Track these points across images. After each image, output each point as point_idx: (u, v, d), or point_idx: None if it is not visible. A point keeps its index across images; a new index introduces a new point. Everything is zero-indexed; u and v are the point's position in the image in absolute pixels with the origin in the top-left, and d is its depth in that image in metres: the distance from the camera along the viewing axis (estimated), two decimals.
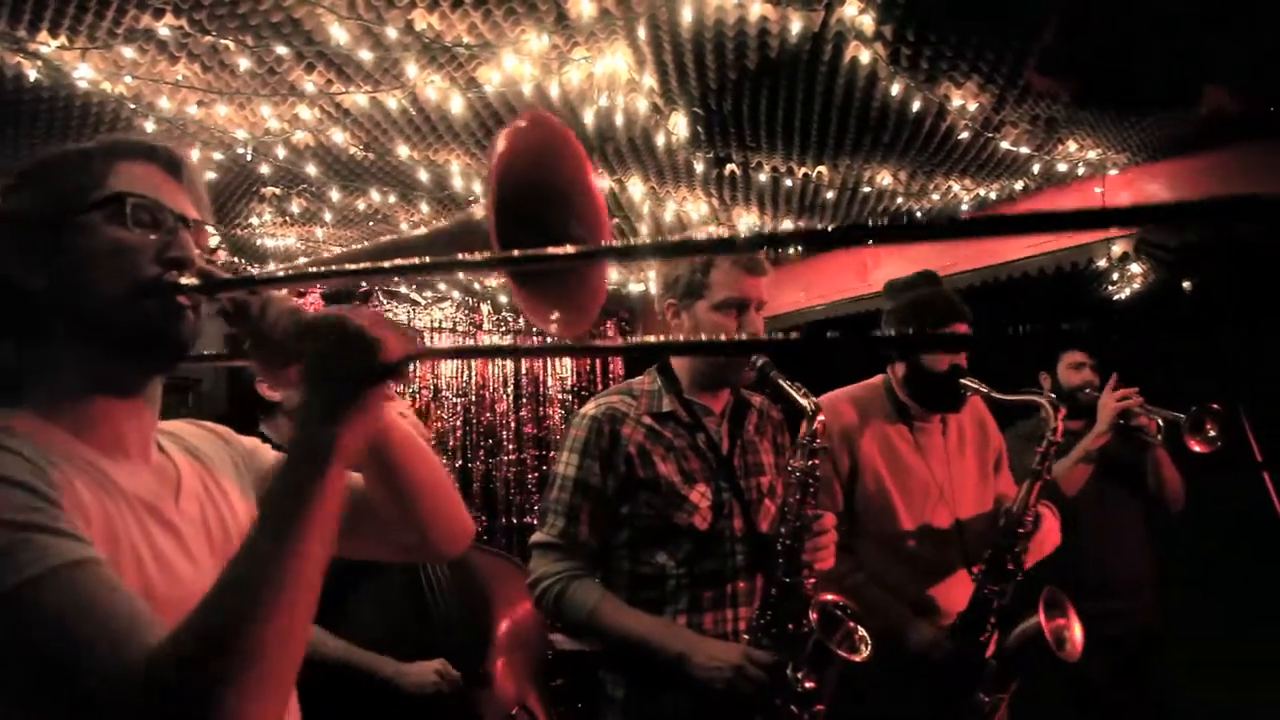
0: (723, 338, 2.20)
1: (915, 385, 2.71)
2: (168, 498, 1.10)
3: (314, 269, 1.09)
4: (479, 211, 0.95)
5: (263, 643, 0.84)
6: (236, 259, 5.08)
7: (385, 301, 5.95)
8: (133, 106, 3.08)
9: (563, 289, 1.02)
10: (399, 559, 1.33)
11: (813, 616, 2.04)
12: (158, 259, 1.06)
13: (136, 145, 1.13)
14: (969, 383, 2.64)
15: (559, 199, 1.06)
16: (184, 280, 1.06)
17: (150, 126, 3.20)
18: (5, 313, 1.06)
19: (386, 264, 1.03)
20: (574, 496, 2.14)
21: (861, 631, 2.10)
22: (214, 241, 1.16)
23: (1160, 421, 3.23)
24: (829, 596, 2.13)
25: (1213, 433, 3.13)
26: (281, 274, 1.10)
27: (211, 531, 1.13)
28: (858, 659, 2.05)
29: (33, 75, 2.81)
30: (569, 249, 0.94)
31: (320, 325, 0.97)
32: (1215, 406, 3.12)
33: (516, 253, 0.92)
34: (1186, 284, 4.05)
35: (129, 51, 2.75)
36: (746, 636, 2.11)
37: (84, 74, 2.81)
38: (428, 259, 0.98)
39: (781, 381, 2.17)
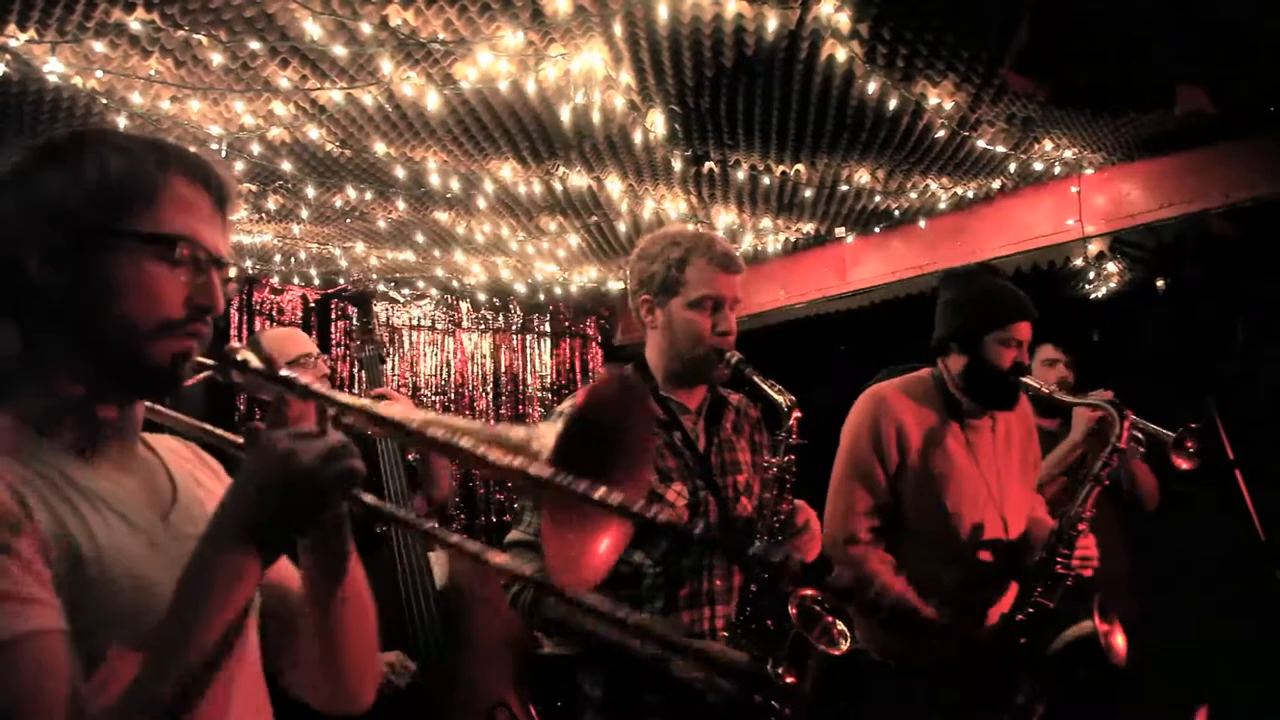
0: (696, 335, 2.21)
1: (973, 380, 2.64)
2: (154, 516, 1.08)
3: (378, 422, 1.07)
4: (543, 445, 1.02)
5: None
6: None
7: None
8: (105, 101, 3.04)
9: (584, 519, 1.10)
10: (300, 695, 1.27)
11: (792, 612, 2.05)
12: (187, 301, 1.03)
13: (193, 164, 1.07)
14: (1030, 381, 2.61)
15: (618, 456, 1.12)
16: (242, 356, 1.05)
17: (123, 122, 3.16)
18: (8, 297, 1.01)
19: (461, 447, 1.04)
20: None
21: (840, 626, 2.11)
22: (232, 272, 1.12)
23: (1140, 435, 3.21)
24: (808, 591, 2.14)
25: (1193, 450, 3.11)
26: (347, 402, 1.05)
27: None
28: (837, 653, 2.06)
29: (1, 69, 2.77)
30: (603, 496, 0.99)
31: (268, 454, 0.96)
32: (1194, 425, 3.10)
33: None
34: (1161, 283, 4.08)
35: (100, 46, 2.71)
36: (725, 634, 2.11)
37: (54, 68, 2.77)
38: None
39: (756, 378, 2.17)
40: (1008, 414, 2.74)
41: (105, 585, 0.96)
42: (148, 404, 1.16)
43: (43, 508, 0.94)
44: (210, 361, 1.09)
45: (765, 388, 2.18)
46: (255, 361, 1.04)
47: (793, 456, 2.17)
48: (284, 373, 1.04)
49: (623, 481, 1.08)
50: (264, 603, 1.18)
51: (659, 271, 2.23)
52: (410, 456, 3.01)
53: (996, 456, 2.70)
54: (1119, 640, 2.46)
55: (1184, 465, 3.12)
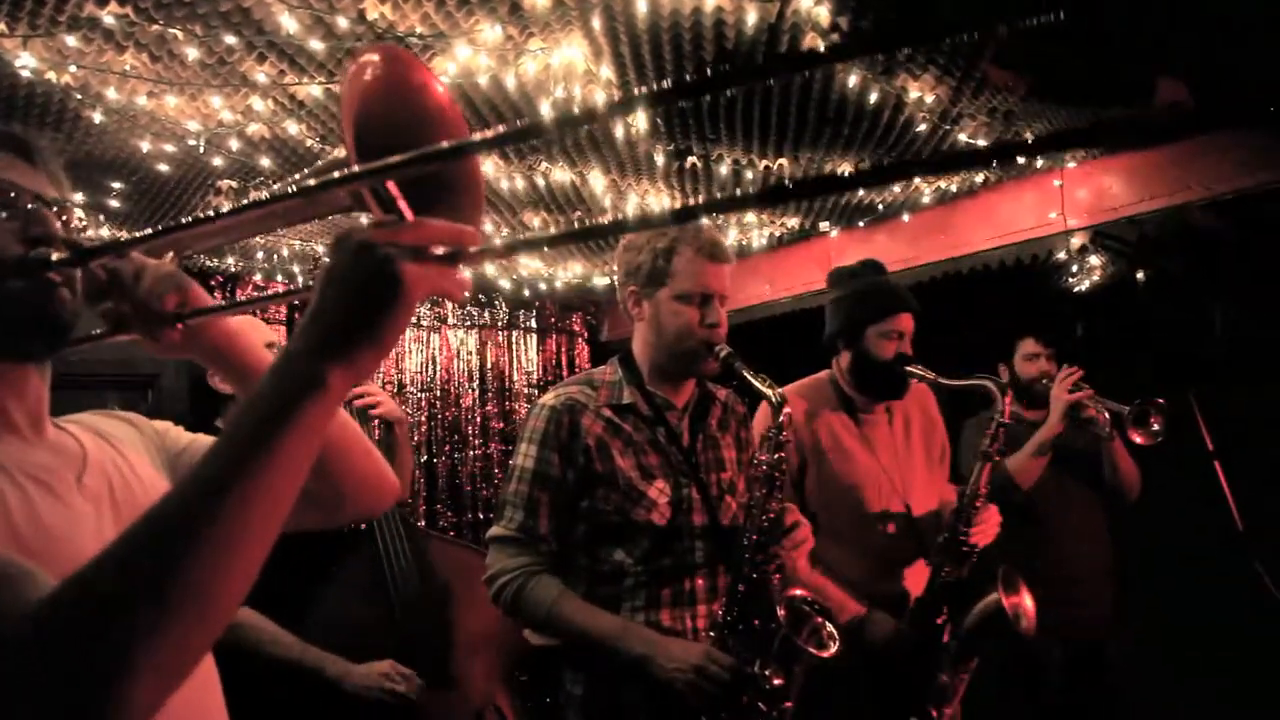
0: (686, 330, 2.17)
1: (860, 374, 2.74)
2: (68, 477, 1.08)
3: (183, 222, 1.04)
4: (341, 152, 0.92)
5: (194, 584, 0.73)
6: (192, 254, 5.00)
7: None
8: (79, 97, 3.02)
9: (438, 206, 0.94)
10: (320, 523, 1.25)
11: (781, 613, 2.01)
12: (21, 239, 1.03)
13: None
14: (915, 370, 2.68)
15: (419, 127, 1.00)
16: (53, 256, 1.03)
17: (99, 118, 3.14)
18: None
19: (261, 206, 0.94)
20: (533, 489, 2.09)
21: (829, 628, 2.07)
22: (79, 219, 1.13)
23: (1108, 414, 3.26)
24: (797, 592, 2.10)
25: (1156, 426, 3.16)
26: (149, 232, 1.03)
27: (119, 506, 1.11)
28: (826, 655, 2.02)
29: None
30: (442, 144, 0.84)
31: (349, 241, 0.82)
32: (1160, 401, 3.15)
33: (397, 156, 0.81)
34: (1141, 275, 4.09)
35: (73, 40, 2.68)
36: (711, 634, 2.07)
37: (26, 63, 2.74)
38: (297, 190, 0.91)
39: (745, 373, 2.13)
40: (905, 405, 2.84)
41: (23, 545, 0.95)
42: None
43: None
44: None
45: (755, 383, 2.13)
46: (56, 253, 1.02)
47: (783, 454, 2.13)
48: (92, 245, 1.04)
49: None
50: None
51: (645, 262, 2.18)
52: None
53: (896, 447, 2.79)
54: (1028, 606, 2.54)
55: (1139, 440, 3.16)
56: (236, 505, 0.75)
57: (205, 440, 1.31)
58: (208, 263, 5.16)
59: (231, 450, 0.78)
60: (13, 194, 1.05)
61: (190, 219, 1.01)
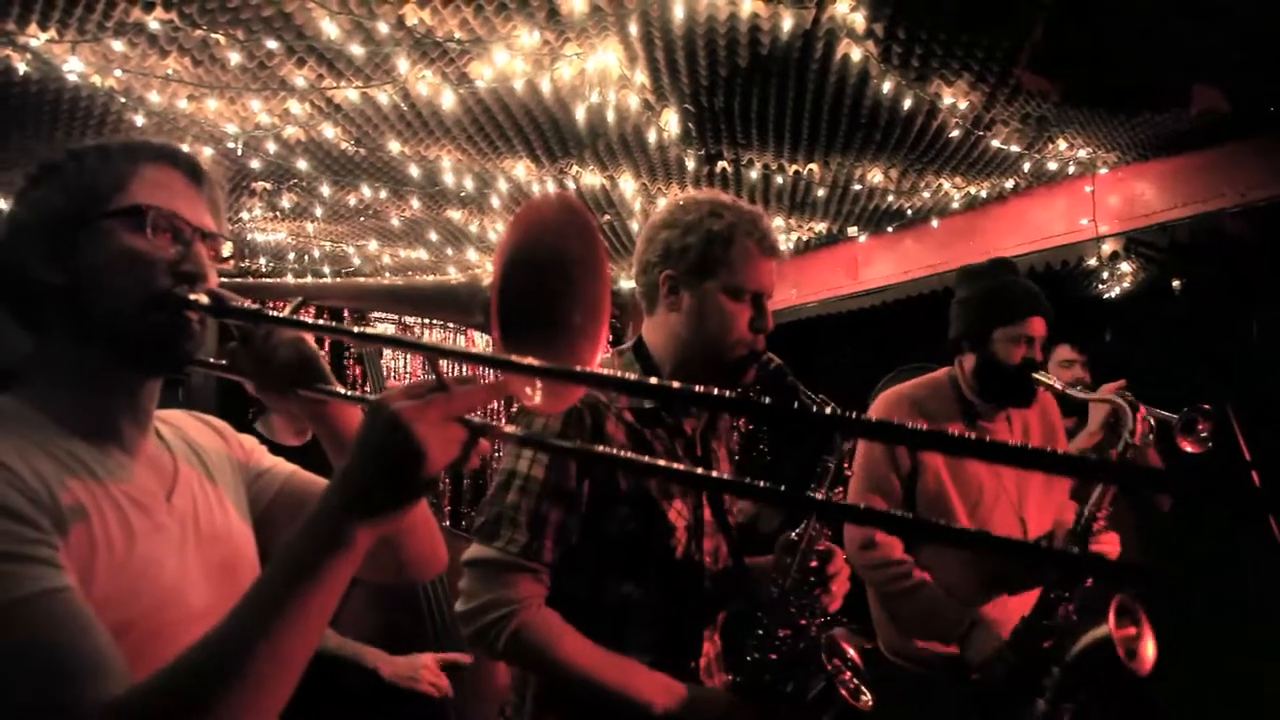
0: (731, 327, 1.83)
1: (985, 379, 2.58)
2: (159, 494, 1.11)
3: (323, 320, 1.10)
4: (486, 279, 0.95)
5: (230, 713, 0.84)
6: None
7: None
8: (123, 100, 3.07)
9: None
10: (372, 579, 1.34)
11: (828, 664, 1.80)
12: (171, 271, 1.07)
13: (161, 149, 1.13)
14: (1042, 378, 2.54)
15: (567, 284, 1.06)
16: (194, 296, 1.07)
17: (140, 120, 3.19)
18: (21, 304, 1.08)
19: (407, 338, 1.03)
20: (540, 503, 1.69)
21: (858, 683, 1.85)
22: (228, 250, 1.17)
23: (1152, 421, 3.21)
24: (843, 644, 1.88)
25: (1204, 433, 3.10)
26: (290, 317, 1.11)
27: (201, 530, 1.14)
28: (862, 707, 1.82)
29: (22, 69, 2.80)
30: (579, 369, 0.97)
31: (379, 415, 0.89)
32: (1206, 407, 3.09)
33: (562, 370, 0.94)
34: (1176, 283, 4.06)
35: (119, 45, 2.74)
36: (728, 676, 1.83)
37: (74, 67, 2.80)
38: (436, 344, 0.97)
39: (801, 389, 1.81)
40: (1025, 412, 2.69)
41: (117, 564, 0.99)
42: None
43: (57, 486, 0.97)
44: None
45: (814, 402, 1.80)
46: (203, 298, 1.07)
47: (842, 490, 1.83)
48: (234, 304, 1.09)
49: (577, 310, 1.06)
50: None
51: (694, 245, 1.81)
52: None
53: None
54: (1146, 646, 2.32)
55: (1189, 448, 3.08)
56: (272, 642, 0.86)
57: (284, 467, 1.36)
58: (240, 264, 5.22)
59: (267, 595, 0.89)
60: (176, 225, 1.09)
61: (330, 323, 1.08)
